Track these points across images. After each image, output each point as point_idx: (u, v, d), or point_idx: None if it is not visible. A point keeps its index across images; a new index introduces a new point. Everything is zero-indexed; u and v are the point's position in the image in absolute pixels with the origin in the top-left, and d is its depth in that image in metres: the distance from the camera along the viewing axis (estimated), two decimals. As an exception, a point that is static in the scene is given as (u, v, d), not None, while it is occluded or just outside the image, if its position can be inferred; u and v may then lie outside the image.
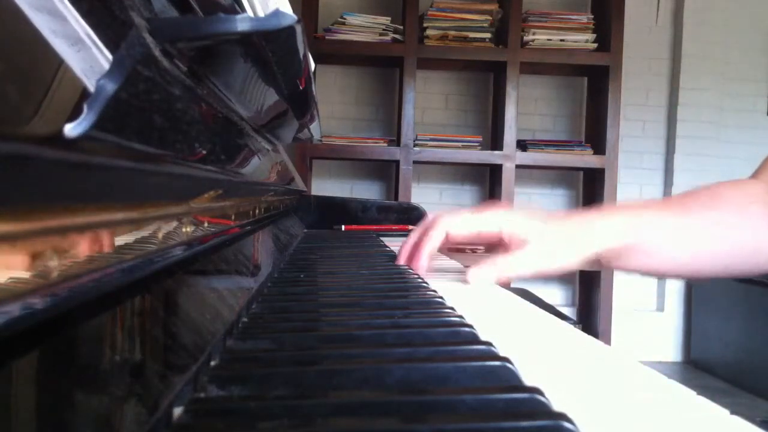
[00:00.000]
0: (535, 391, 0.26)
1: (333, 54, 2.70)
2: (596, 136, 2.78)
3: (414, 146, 2.65)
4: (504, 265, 0.60)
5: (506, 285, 2.41)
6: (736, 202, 0.61)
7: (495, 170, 2.78)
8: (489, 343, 0.34)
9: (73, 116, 0.18)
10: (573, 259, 0.60)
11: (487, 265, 0.61)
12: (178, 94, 0.33)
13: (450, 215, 0.65)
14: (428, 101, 2.96)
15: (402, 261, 0.67)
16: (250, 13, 0.45)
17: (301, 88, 0.69)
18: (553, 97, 3.03)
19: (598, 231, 0.60)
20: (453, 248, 0.68)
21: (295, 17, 0.39)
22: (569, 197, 3.04)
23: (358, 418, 0.25)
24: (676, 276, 0.65)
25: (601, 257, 0.61)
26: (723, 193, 0.62)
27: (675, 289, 3.02)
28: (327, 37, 2.62)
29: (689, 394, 0.30)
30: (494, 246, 0.65)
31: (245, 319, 0.42)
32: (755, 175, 0.65)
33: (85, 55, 0.21)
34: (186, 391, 0.26)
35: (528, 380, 0.29)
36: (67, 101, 0.19)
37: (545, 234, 0.61)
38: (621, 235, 0.60)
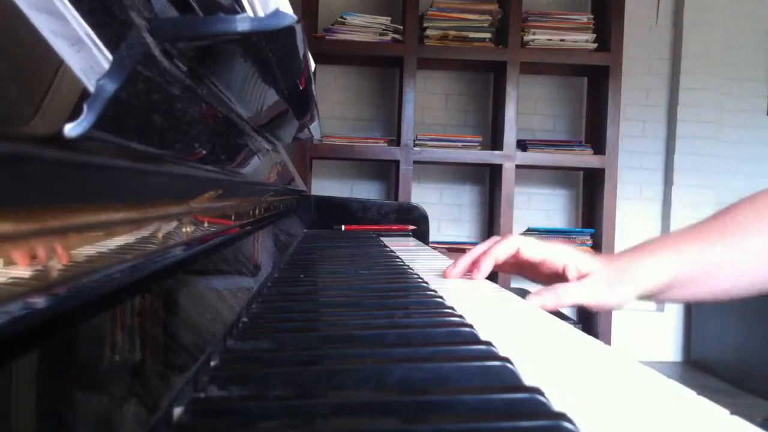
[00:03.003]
0: (535, 391, 0.26)
1: (333, 54, 2.70)
2: (596, 136, 2.78)
3: (414, 146, 2.65)
4: (565, 293, 0.62)
5: (506, 285, 2.40)
6: None
7: (495, 170, 2.78)
8: (489, 343, 0.34)
9: (73, 116, 0.18)
10: (625, 299, 0.63)
11: (548, 291, 0.62)
12: (178, 94, 0.33)
13: (524, 237, 0.68)
14: (428, 101, 2.96)
15: (461, 267, 0.69)
16: (250, 13, 0.45)
17: (301, 88, 0.69)
18: (553, 97, 3.03)
19: (645, 270, 0.63)
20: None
21: (295, 17, 0.39)
22: (569, 197, 3.04)
23: (358, 418, 0.25)
24: (715, 301, 0.68)
25: (649, 293, 0.64)
26: (763, 212, 0.64)
27: (675, 289, 3.01)
28: (327, 37, 2.62)
29: (689, 394, 0.30)
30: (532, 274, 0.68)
31: (245, 319, 0.42)
32: None
33: (85, 55, 0.21)
34: (186, 391, 0.26)
35: (528, 380, 0.29)
36: (67, 101, 0.19)
37: (606, 271, 0.63)
38: (665, 273, 0.63)
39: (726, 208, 0.66)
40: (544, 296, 0.62)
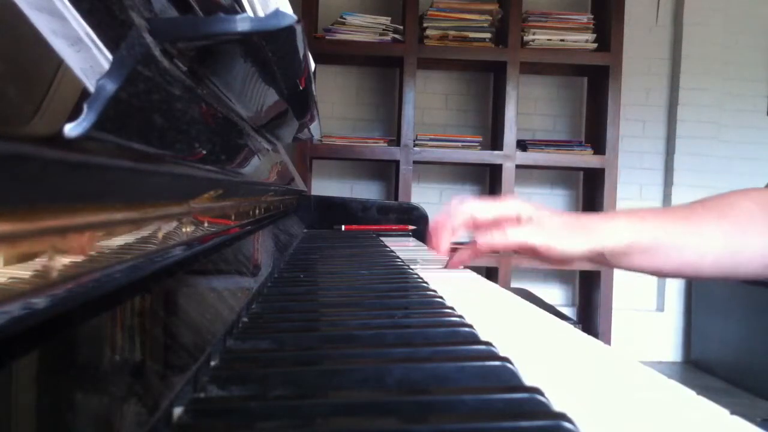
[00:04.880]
0: (535, 391, 0.26)
1: (333, 54, 2.70)
2: (596, 136, 2.78)
3: (414, 146, 2.65)
4: (514, 233, 0.63)
5: (506, 285, 2.40)
6: (745, 211, 0.62)
7: (495, 170, 2.78)
8: (489, 343, 0.34)
9: (73, 116, 0.18)
10: (579, 247, 0.63)
11: (497, 231, 0.64)
12: (178, 94, 0.33)
13: (474, 201, 0.69)
14: (428, 101, 2.96)
15: (431, 241, 0.71)
16: (250, 13, 0.45)
17: (301, 88, 0.69)
18: (553, 97, 3.03)
19: (605, 227, 0.63)
20: (455, 248, 0.72)
21: (295, 17, 0.39)
22: (569, 197, 3.04)
23: (358, 418, 0.25)
24: (678, 276, 0.68)
25: (605, 253, 0.63)
26: (733, 201, 0.63)
27: (675, 289, 3.02)
28: (327, 37, 2.62)
29: (689, 394, 0.30)
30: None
31: (245, 319, 0.42)
32: None
33: (85, 55, 0.21)
34: (186, 391, 0.26)
35: (528, 380, 0.29)
36: (67, 101, 0.19)
37: (556, 218, 0.65)
38: (626, 234, 0.63)
39: (702, 199, 0.67)
40: (493, 235, 0.63)
